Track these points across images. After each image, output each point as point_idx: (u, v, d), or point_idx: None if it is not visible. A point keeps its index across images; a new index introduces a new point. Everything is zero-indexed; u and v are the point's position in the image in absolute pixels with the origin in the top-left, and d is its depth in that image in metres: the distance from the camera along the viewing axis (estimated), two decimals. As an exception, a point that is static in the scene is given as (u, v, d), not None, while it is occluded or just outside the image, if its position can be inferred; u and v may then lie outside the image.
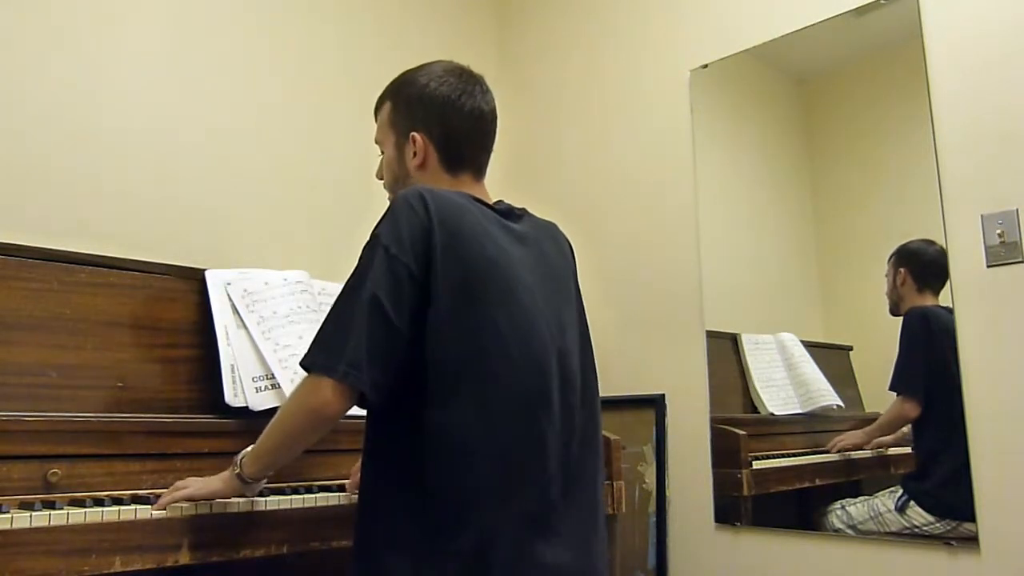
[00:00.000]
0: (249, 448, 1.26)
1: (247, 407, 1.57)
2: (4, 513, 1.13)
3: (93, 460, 1.33)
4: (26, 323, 1.48)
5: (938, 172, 1.86)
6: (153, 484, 1.38)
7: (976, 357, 1.78)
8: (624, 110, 2.55)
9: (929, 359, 1.91)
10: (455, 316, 1.16)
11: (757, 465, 2.13)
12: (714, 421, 2.22)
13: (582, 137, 2.66)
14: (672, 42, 2.45)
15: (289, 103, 2.31)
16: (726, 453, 2.17)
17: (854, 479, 2.06)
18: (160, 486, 1.37)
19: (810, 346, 2.22)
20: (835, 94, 2.24)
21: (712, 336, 2.27)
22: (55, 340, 1.51)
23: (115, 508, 1.20)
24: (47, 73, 1.87)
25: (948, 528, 1.82)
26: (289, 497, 1.39)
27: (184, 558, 1.25)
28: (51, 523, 1.14)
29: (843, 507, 2.02)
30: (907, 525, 1.89)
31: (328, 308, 1.20)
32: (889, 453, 2.01)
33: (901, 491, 1.92)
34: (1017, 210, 1.75)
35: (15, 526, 1.11)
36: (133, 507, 1.22)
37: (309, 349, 1.16)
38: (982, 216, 1.79)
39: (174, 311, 1.68)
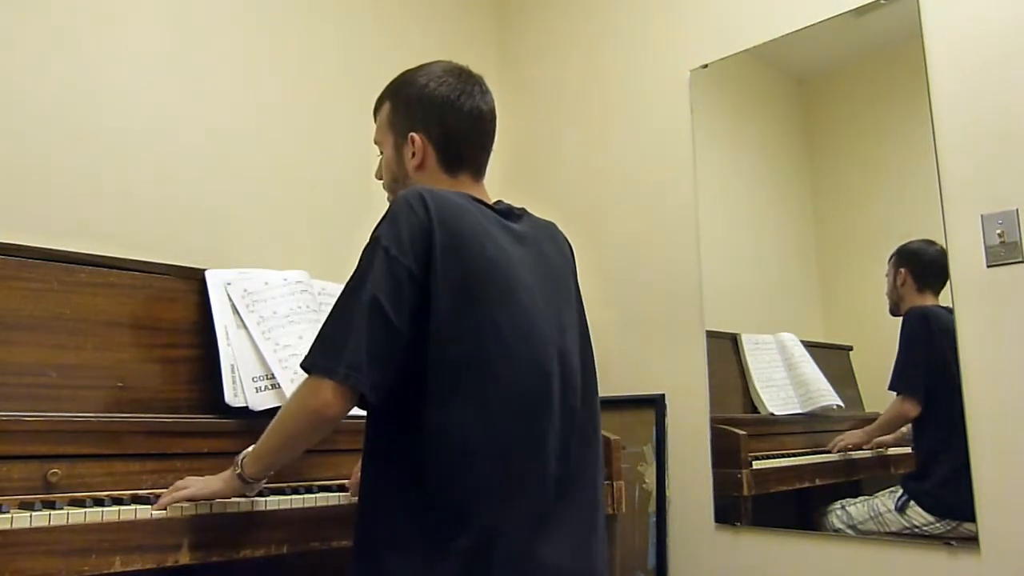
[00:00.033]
0: (250, 448, 1.26)
1: (247, 407, 1.57)
2: (4, 513, 1.13)
3: (93, 460, 1.33)
4: (26, 323, 1.48)
5: (938, 172, 1.86)
6: (153, 484, 1.38)
7: (976, 357, 1.78)
8: (624, 110, 2.55)
9: (929, 359, 1.91)
10: (455, 316, 1.16)
11: (757, 465, 2.13)
12: (714, 421, 2.22)
13: (582, 137, 2.66)
14: (672, 42, 2.45)
15: (289, 103, 2.31)
16: (726, 453, 2.17)
17: (854, 479, 2.06)
18: (160, 486, 1.37)
19: (810, 346, 2.22)
20: (835, 94, 2.24)
21: (712, 336, 2.27)
22: (55, 340, 1.51)
23: (115, 508, 1.20)
24: (47, 73, 1.87)
25: (948, 528, 1.82)
26: (289, 497, 1.39)
27: (184, 558, 1.25)
28: (51, 523, 1.14)
29: (843, 507, 2.02)
30: (907, 525, 1.89)
31: (328, 308, 1.20)
32: (889, 453, 2.01)
33: (901, 491, 1.92)
34: (1017, 210, 1.75)
35: (15, 526, 1.11)
36: (133, 507, 1.22)
37: (309, 351, 1.16)
38: (982, 216, 1.79)
39: (174, 311, 1.68)
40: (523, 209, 1.38)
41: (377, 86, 1.44)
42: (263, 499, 1.36)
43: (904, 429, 1.96)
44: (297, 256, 2.15)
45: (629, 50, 2.56)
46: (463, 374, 1.15)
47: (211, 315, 1.65)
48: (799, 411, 2.22)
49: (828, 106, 2.26)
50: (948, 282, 1.84)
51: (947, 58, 1.88)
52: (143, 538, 1.21)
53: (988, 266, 1.78)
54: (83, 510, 1.18)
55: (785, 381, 2.24)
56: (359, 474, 1.43)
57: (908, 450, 1.96)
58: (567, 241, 1.43)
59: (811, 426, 2.18)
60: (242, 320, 1.67)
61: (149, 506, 1.24)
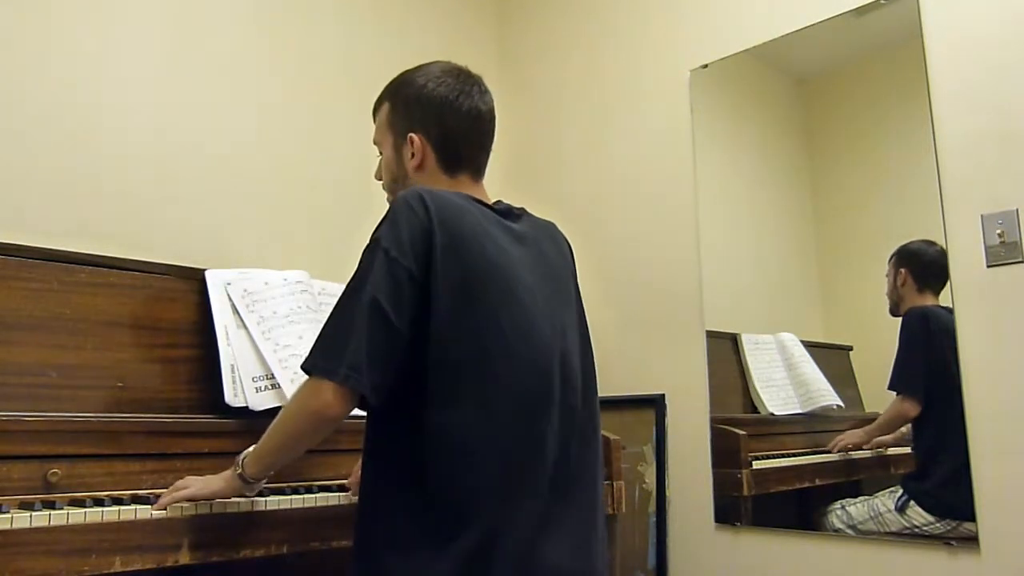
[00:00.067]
0: (251, 448, 1.27)
1: (247, 407, 1.57)
2: (4, 513, 1.13)
3: (93, 460, 1.33)
4: (26, 323, 1.48)
5: (938, 172, 1.86)
6: (153, 484, 1.38)
7: (976, 357, 1.78)
8: (624, 110, 2.55)
9: (929, 358, 1.91)
10: (456, 317, 1.16)
11: (757, 465, 2.13)
12: (714, 421, 2.22)
13: (582, 137, 2.66)
14: (672, 42, 2.45)
15: (289, 103, 2.31)
16: (726, 453, 2.17)
17: (854, 479, 2.06)
18: (160, 486, 1.37)
19: (810, 346, 2.22)
20: (835, 94, 2.24)
21: (712, 336, 2.27)
22: (55, 340, 1.51)
23: (115, 508, 1.20)
24: (47, 73, 1.87)
25: (948, 528, 1.82)
26: (289, 497, 1.39)
27: (184, 558, 1.25)
28: (51, 523, 1.14)
29: (843, 507, 2.02)
30: (907, 525, 1.89)
31: (328, 308, 1.20)
32: (889, 453, 2.01)
33: (901, 491, 1.92)
34: (1017, 210, 1.75)
35: (15, 526, 1.11)
36: (133, 507, 1.22)
37: (310, 352, 1.17)
38: (982, 216, 1.79)
39: (174, 311, 1.68)
40: (522, 209, 1.38)
41: (377, 86, 1.44)
42: (263, 499, 1.36)
43: (904, 429, 1.96)
44: (297, 256, 2.15)
45: (629, 50, 2.56)
46: (463, 374, 1.15)
47: (211, 315, 1.65)
48: (799, 411, 2.22)
49: (828, 106, 2.26)
50: (948, 282, 1.84)
51: (947, 58, 1.88)
52: (143, 538, 1.21)
53: (988, 266, 1.78)
54: (83, 510, 1.18)
55: (785, 381, 2.24)
56: (359, 473, 1.44)
57: (908, 450, 1.96)
58: (567, 241, 1.43)
59: (811, 426, 2.18)
60: (242, 320, 1.67)
61: (149, 506, 1.24)
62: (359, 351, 1.12)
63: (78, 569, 1.14)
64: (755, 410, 2.24)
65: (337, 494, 1.47)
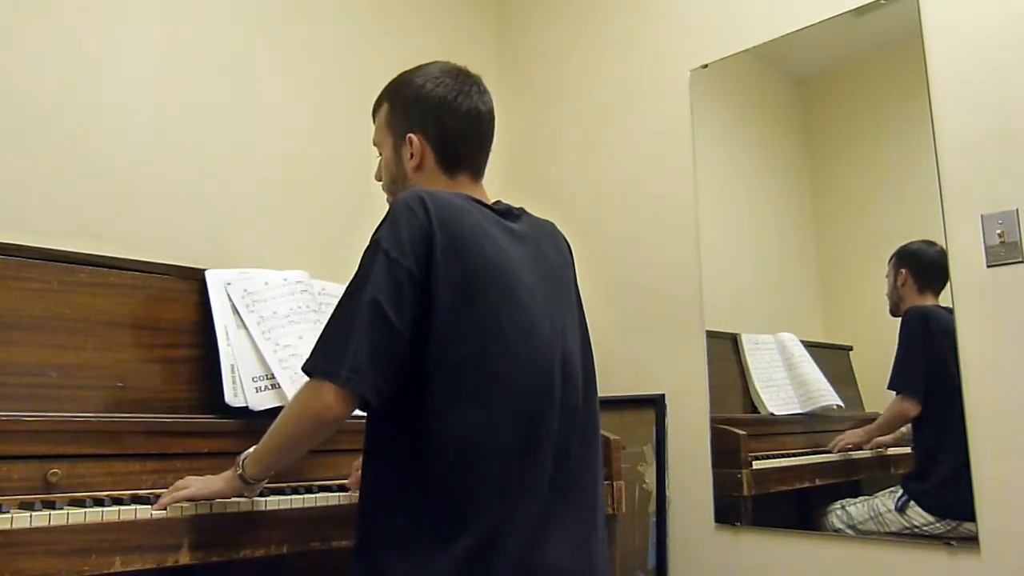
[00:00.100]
0: (251, 449, 1.27)
1: (247, 407, 1.57)
2: (4, 513, 1.13)
3: (93, 460, 1.33)
4: (26, 323, 1.49)
5: (938, 172, 1.86)
6: (153, 484, 1.38)
7: (976, 357, 1.78)
8: (624, 110, 2.55)
9: (928, 358, 1.91)
10: (456, 317, 1.16)
11: (757, 465, 2.13)
12: (714, 421, 2.22)
13: (582, 137, 2.66)
14: (672, 42, 2.45)
15: (289, 103, 2.31)
16: (726, 453, 2.17)
17: (854, 479, 2.06)
18: (160, 486, 1.37)
19: (810, 346, 2.22)
20: (835, 94, 2.24)
21: (712, 336, 2.27)
22: (55, 340, 1.51)
23: (115, 508, 1.20)
24: (47, 73, 1.87)
25: (948, 528, 1.82)
26: (289, 497, 1.39)
27: (184, 558, 1.25)
28: (51, 523, 1.14)
29: (843, 507, 2.02)
30: (907, 525, 1.89)
31: (328, 308, 1.20)
32: (889, 453, 2.01)
33: (901, 491, 1.92)
34: (1017, 210, 1.75)
35: (15, 526, 1.11)
36: (133, 507, 1.22)
37: (311, 354, 1.17)
38: (982, 216, 1.79)
39: (174, 311, 1.68)
40: (522, 209, 1.38)
41: (377, 85, 1.44)
42: (263, 499, 1.36)
43: (904, 429, 1.96)
44: (297, 256, 2.15)
45: (629, 50, 2.56)
46: (464, 374, 1.16)
47: (211, 315, 1.65)
48: (799, 411, 2.22)
49: (828, 106, 2.26)
50: (948, 282, 1.84)
51: (947, 58, 1.88)
52: (143, 538, 1.21)
53: (988, 266, 1.78)
54: (83, 510, 1.18)
55: (785, 381, 2.24)
56: (359, 472, 1.44)
57: (908, 450, 1.96)
58: (566, 240, 1.43)
59: (811, 426, 2.18)
60: (242, 320, 1.67)
61: (149, 506, 1.24)
62: (360, 353, 1.12)
63: (78, 569, 1.14)
64: (755, 410, 2.24)
65: (337, 494, 1.47)
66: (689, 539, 2.22)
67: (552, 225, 1.42)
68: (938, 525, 1.84)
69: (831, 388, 2.17)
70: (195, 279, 1.71)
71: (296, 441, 1.22)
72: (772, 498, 2.14)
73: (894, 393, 1.96)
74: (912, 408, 1.93)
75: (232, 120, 2.18)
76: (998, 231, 1.77)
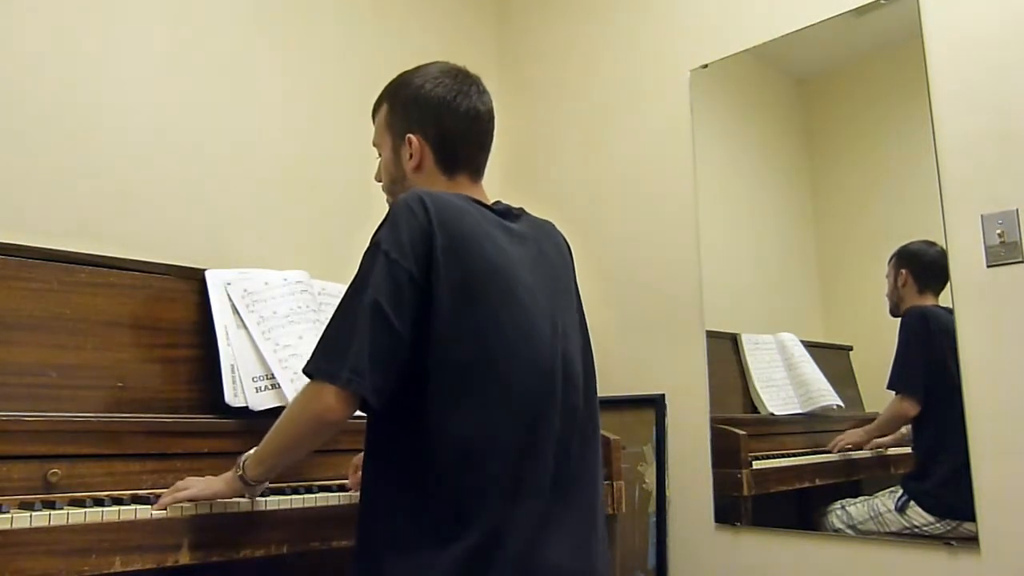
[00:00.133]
0: (252, 451, 1.27)
1: (247, 407, 1.57)
2: (4, 513, 1.13)
3: (93, 460, 1.33)
4: (26, 323, 1.49)
5: (938, 172, 1.86)
6: (153, 484, 1.38)
7: (976, 357, 1.78)
8: (624, 110, 2.55)
9: (928, 358, 1.91)
10: (457, 318, 1.16)
11: (757, 465, 2.13)
12: (714, 421, 2.22)
13: (582, 137, 2.66)
14: (672, 42, 2.45)
15: (289, 103, 2.31)
16: (726, 453, 2.17)
17: (854, 479, 2.06)
18: (160, 486, 1.37)
19: (810, 346, 2.22)
20: (835, 94, 2.24)
21: (712, 336, 2.27)
22: (55, 340, 1.51)
23: (115, 508, 1.20)
24: (47, 73, 1.87)
25: (948, 528, 1.82)
26: (289, 497, 1.39)
27: (184, 558, 1.25)
28: (51, 523, 1.14)
29: (843, 507, 2.02)
30: (907, 525, 1.89)
31: (328, 308, 1.21)
32: (889, 453, 2.01)
33: (901, 491, 1.92)
34: (1017, 210, 1.75)
35: (15, 526, 1.11)
36: (133, 507, 1.22)
37: (311, 356, 1.16)
38: (982, 216, 1.79)
39: (174, 311, 1.68)
40: (521, 209, 1.38)
41: (377, 85, 1.44)
42: (263, 499, 1.36)
43: (904, 430, 1.96)
44: (297, 256, 2.15)
45: (629, 50, 2.56)
46: (465, 375, 1.16)
47: (211, 315, 1.65)
48: (799, 411, 2.22)
49: (828, 106, 2.26)
50: (948, 282, 1.84)
51: (947, 58, 1.88)
52: (143, 538, 1.21)
53: (988, 266, 1.78)
54: (83, 510, 1.18)
55: (785, 381, 2.24)
56: (358, 472, 1.44)
57: (908, 450, 1.96)
58: (565, 240, 1.43)
59: (811, 426, 2.18)
60: (242, 320, 1.67)
61: (149, 506, 1.24)
62: (361, 354, 1.12)
63: (78, 569, 1.14)
64: (755, 410, 2.24)
65: (337, 494, 1.47)
66: (689, 539, 2.22)
67: (551, 225, 1.42)
68: (938, 525, 1.84)
69: (831, 388, 2.17)
70: (195, 279, 1.71)
71: (297, 443, 1.22)
72: (772, 498, 2.14)
73: (894, 393, 1.96)
74: (911, 408, 1.93)
75: (232, 120, 2.18)
76: (998, 231, 1.77)
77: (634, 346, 2.42)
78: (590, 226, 2.55)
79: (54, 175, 1.85)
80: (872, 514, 1.96)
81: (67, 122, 1.88)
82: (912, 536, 1.87)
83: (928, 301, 1.91)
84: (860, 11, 2.05)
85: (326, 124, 2.37)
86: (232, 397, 1.58)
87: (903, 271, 1.97)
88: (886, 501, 1.94)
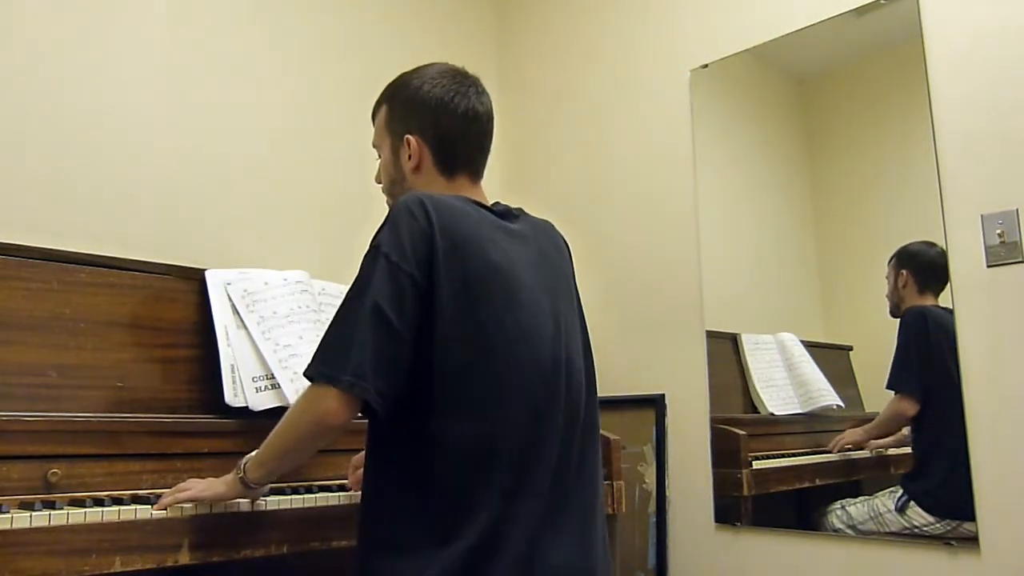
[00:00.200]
0: (253, 453, 1.27)
1: (247, 407, 1.57)
2: (4, 513, 1.13)
3: (93, 460, 1.33)
4: (26, 323, 1.48)
5: (938, 172, 1.86)
6: (153, 484, 1.38)
7: (976, 357, 1.78)
8: (624, 110, 2.55)
9: (927, 358, 1.91)
10: (459, 320, 1.16)
11: (757, 465, 2.13)
12: (714, 421, 2.22)
13: (582, 137, 2.66)
14: (672, 42, 2.45)
15: (288, 103, 2.31)
16: (726, 453, 2.17)
17: (854, 479, 2.06)
18: (160, 486, 1.37)
19: (810, 346, 2.22)
20: (835, 94, 2.24)
21: (712, 336, 2.27)
22: (55, 340, 1.51)
23: (115, 508, 1.20)
24: (47, 73, 1.87)
25: (948, 528, 1.82)
26: (289, 497, 1.39)
27: (184, 558, 1.25)
28: (51, 523, 1.14)
29: (843, 507, 2.02)
30: (907, 525, 1.89)
31: (328, 308, 1.21)
32: (889, 453, 2.01)
33: (901, 491, 1.92)
34: (1017, 210, 1.75)
35: (15, 526, 1.11)
36: (133, 507, 1.22)
37: (312, 359, 1.16)
38: (982, 216, 1.79)
39: (174, 311, 1.68)
40: (520, 209, 1.38)
41: (377, 86, 1.44)
42: (263, 499, 1.35)
43: (904, 431, 1.96)
44: (297, 256, 2.15)
45: (629, 50, 2.56)
46: (467, 376, 1.15)
47: (211, 315, 1.65)
48: (799, 411, 2.22)
49: (828, 106, 2.26)
50: (948, 283, 1.84)
51: (947, 58, 1.88)
52: (143, 538, 1.21)
53: (988, 266, 1.78)
54: (83, 510, 1.18)
55: (785, 381, 2.24)
56: (358, 471, 1.44)
57: (908, 450, 1.96)
58: (564, 239, 1.43)
59: (811, 426, 2.18)
60: (242, 320, 1.67)
61: (149, 506, 1.24)
62: (363, 357, 1.11)
63: (78, 569, 1.14)
64: (755, 410, 2.24)
65: (337, 494, 1.47)
66: (689, 539, 2.22)
67: (550, 224, 1.42)
68: (938, 525, 1.84)
69: (831, 388, 2.17)
70: (195, 279, 1.71)
71: (298, 446, 1.22)
72: (772, 498, 2.14)
73: (893, 393, 1.96)
74: (910, 407, 1.93)
75: (232, 120, 2.18)
76: (998, 231, 1.77)
77: (634, 346, 2.42)
78: (590, 226, 2.55)
79: (54, 175, 1.85)
80: (872, 514, 1.96)
81: (67, 122, 1.88)
82: (912, 536, 1.87)
83: (928, 301, 1.91)
84: (860, 11, 2.05)
85: (326, 124, 2.37)
86: (232, 397, 1.58)
87: (903, 272, 1.97)
88: (886, 501, 1.94)
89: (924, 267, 1.93)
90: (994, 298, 1.77)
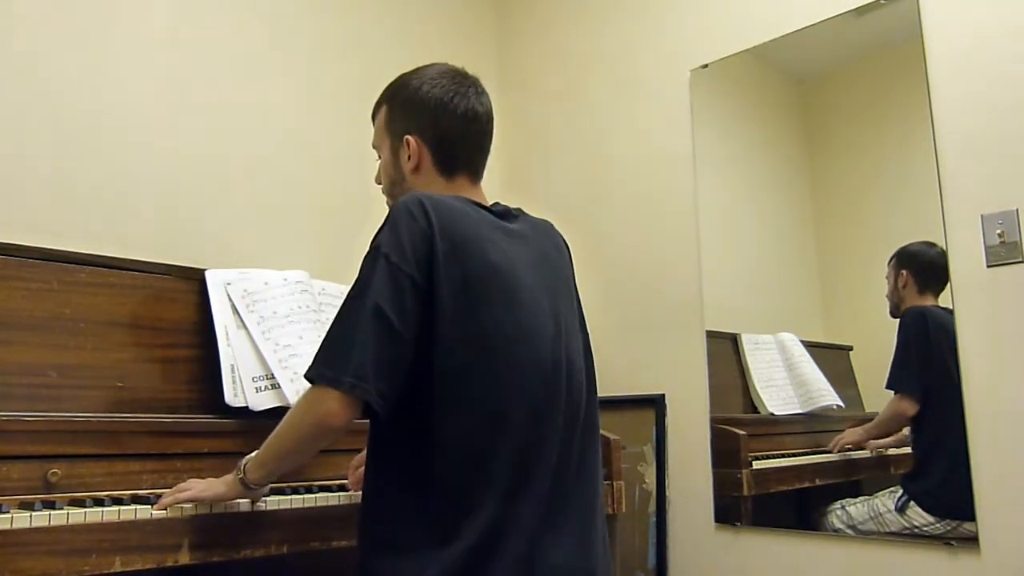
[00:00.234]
0: (253, 454, 1.27)
1: (247, 407, 1.57)
2: (4, 513, 1.13)
3: (93, 460, 1.33)
4: (26, 323, 1.48)
5: (938, 172, 1.86)
6: (153, 484, 1.38)
7: (976, 357, 1.78)
8: (624, 110, 2.55)
9: (927, 357, 1.91)
10: (460, 321, 1.16)
11: (757, 465, 2.13)
12: (714, 421, 2.22)
13: (582, 137, 2.66)
14: (672, 42, 2.45)
15: (289, 103, 2.31)
16: (726, 453, 2.17)
17: (854, 479, 2.06)
18: (160, 486, 1.37)
19: (810, 346, 2.22)
20: (835, 94, 2.24)
21: (712, 336, 2.27)
22: (55, 340, 1.51)
23: (115, 508, 1.20)
24: (47, 73, 1.87)
25: (948, 528, 1.82)
26: (289, 497, 1.39)
27: (184, 558, 1.25)
28: (51, 523, 1.14)
29: (843, 507, 2.02)
30: (907, 525, 1.89)
31: (328, 308, 1.21)
32: (889, 453, 2.01)
33: (901, 491, 1.92)
34: (1017, 210, 1.75)
35: (15, 526, 1.11)
36: (133, 507, 1.22)
37: (313, 361, 1.16)
38: (982, 216, 1.79)
39: (174, 311, 1.68)
40: (519, 209, 1.38)
41: (377, 86, 1.44)
42: (263, 499, 1.36)
43: (904, 431, 1.96)
44: (297, 256, 2.15)
45: (629, 50, 2.56)
46: (467, 377, 1.15)
47: (211, 315, 1.65)
48: (799, 411, 2.22)
49: (828, 106, 2.26)
50: (948, 283, 1.84)
51: (947, 58, 1.88)
52: (143, 538, 1.21)
53: (988, 266, 1.78)
54: (83, 510, 1.18)
55: (785, 381, 2.24)
56: (358, 471, 1.44)
57: (908, 450, 1.96)
58: (564, 239, 1.43)
59: (811, 426, 2.18)
60: (242, 320, 1.67)
61: (149, 506, 1.24)
62: (364, 359, 1.11)
63: (78, 569, 1.14)
64: (755, 410, 2.24)
65: (337, 494, 1.47)
66: (689, 539, 2.22)
67: (550, 225, 1.42)
68: (938, 525, 1.84)
69: (831, 388, 2.17)
70: (195, 279, 1.71)
71: (298, 447, 1.22)
72: (772, 498, 2.14)
73: (893, 393, 1.96)
74: (910, 407, 1.93)
75: (232, 120, 2.18)
76: (998, 231, 1.77)
77: (634, 346, 2.42)
78: (590, 226, 2.55)
79: (54, 175, 1.85)
80: (872, 514, 1.96)
81: (67, 122, 1.88)
82: (912, 536, 1.87)
83: (928, 301, 1.91)
84: (860, 11, 2.05)
85: (326, 124, 2.37)
86: (232, 397, 1.58)
87: (903, 272, 1.97)
88: (886, 501, 1.94)
89: (924, 267, 1.93)
90: (994, 298, 1.77)
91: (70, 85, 1.90)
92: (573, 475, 1.22)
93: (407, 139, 1.33)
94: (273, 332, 1.68)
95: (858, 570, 1.93)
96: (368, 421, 1.23)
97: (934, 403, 1.89)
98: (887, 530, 1.92)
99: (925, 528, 1.86)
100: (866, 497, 1.99)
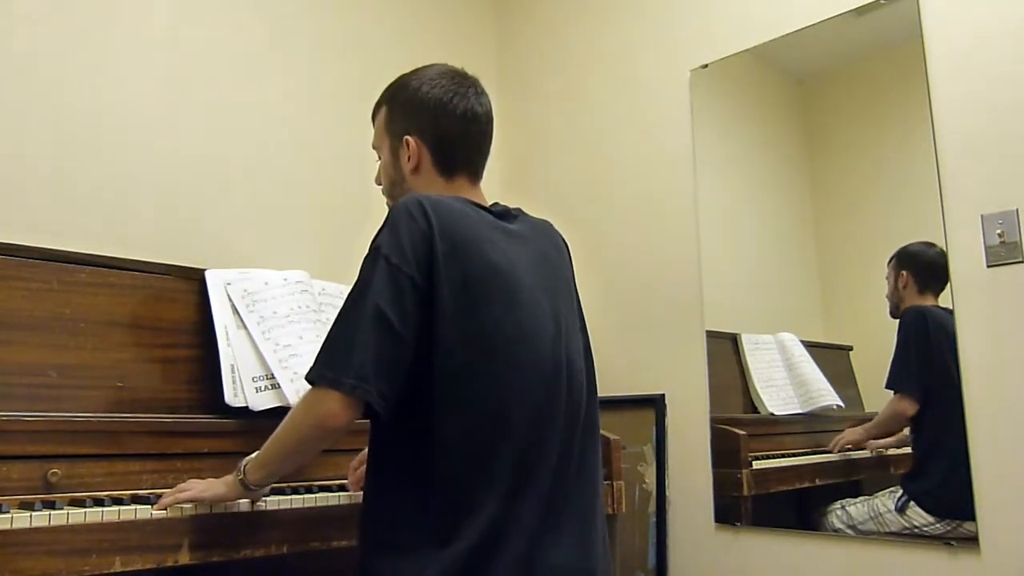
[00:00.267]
0: (253, 455, 1.27)
1: (247, 407, 1.58)
2: (4, 513, 1.13)
3: (93, 460, 1.33)
4: (26, 323, 1.48)
5: (938, 172, 1.86)
6: (153, 484, 1.38)
7: (976, 357, 1.78)
8: (624, 110, 2.55)
9: (926, 357, 1.91)
10: (460, 322, 1.16)
11: (757, 465, 2.13)
12: (714, 421, 2.22)
13: (582, 138, 2.66)
14: (672, 42, 2.45)
15: (289, 103, 2.31)
16: (726, 453, 2.17)
17: (854, 479, 2.06)
18: (160, 486, 1.37)
19: (810, 346, 2.22)
20: (835, 94, 2.24)
21: (712, 336, 2.27)
22: (55, 340, 1.51)
23: (115, 508, 1.21)
24: (47, 73, 1.87)
25: (948, 528, 1.82)
26: (289, 497, 1.39)
27: (184, 558, 1.25)
28: (51, 523, 1.14)
29: (843, 507, 2.02)
30: (907, 525, 1.89)
31: (328, 308, 1.21)
32: (889, 453, 2.01)
33: (901, 491, 1.92)
34: (1017, 210, 1.75)
35: (15, 526, 1.11)
36: (133, 507, 1.22)
37: (314, 362, 1.16)
38: (982, 216, 1.79)
39: (174, 311, 1.68)
40: (519, 209, 1.38)
41: (377, 86, 1.44)
42: (263, 499, 1.36)
43: (904, 431, 1.96)
44: (297, 256, 2.15)
45: (629, 50, 2.56)
46: (467, 377, 1.15)
47: (211, 315, 1.65)
48: (799, 411, 2.22)
49: (828, 106, 2.26)
50: (948, 283, 1.84)
51: (947, 58, 1.88)
52: (143, 538, 1.21)
53: (988, 266, 1.78)
54: (83, 510, 1.18)
55: (785, 381, 2.24)
56: (359, 471, 1.44)
57: (908, 450, 1.96)
58: (563, 239, 1.43)
59: (811, 426, 2.18)
60: (242, 320, 1.67)
61: (149, 506, 1.24)
62: (364, 360, 1.11)
63: (78, 569, 1.14)
64: (755, 410, 2.24)
65: (337, 494, 1.47)
66: (689, 539, 2.22)
67: (549, 225, 1.42)
68: (938, 525, 1.84)
69: (831, 388, 2.17)
70: (195, 279, 1.71)
71: (299, 448, 1.22)
72: (772, 498, 2.14)
73: (892, 392, 1.96)
74: (910, 407, 1.93)
75: (232, 120, 2.18)
76: (998, 231, 1.77)
77: (634, 346, 2.42)
78: (590, 226, 2.55)
79: (54, 175, 1.85)
80: (872, 514, 1.96)
81: (67, 122, 1.88)
82: (912, 536, 1.87)
83: (928, 301, 1.91)
84: (860, 11, 2.05)
85: (326, 125, 2.37)
86: (232, 397, 1.58)
87: (903, 272, 1.97)
88: (886, 501, 1.95)
89: (924, 267, 1.93)
90: (994, 298, 1.77)
91: (70, 85, 1.90)
92: (573, 475, 1.22)
93: (407, 140, 1.33)
94: (273, 332, 1.68)
95: (858, 570, 1.93)
96: (368, 421, 1.23)
97: (934, 403, 1.89)
98: (887, 530, 1.92)
99: (925, 528, 1.86)
100: (866, 497, 1.99)
